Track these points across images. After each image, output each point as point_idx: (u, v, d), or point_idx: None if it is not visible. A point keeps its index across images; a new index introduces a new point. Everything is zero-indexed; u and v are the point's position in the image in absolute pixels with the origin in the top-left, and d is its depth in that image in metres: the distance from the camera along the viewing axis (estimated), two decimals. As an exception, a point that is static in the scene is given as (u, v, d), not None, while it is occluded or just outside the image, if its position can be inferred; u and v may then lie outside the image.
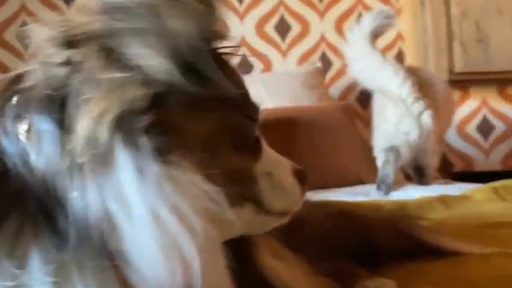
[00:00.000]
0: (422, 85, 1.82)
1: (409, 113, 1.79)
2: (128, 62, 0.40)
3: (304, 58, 2.57)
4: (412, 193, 1.56)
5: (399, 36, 2.63)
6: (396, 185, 1.81)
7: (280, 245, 0.63)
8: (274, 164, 0.50)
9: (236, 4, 2.53)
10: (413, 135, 1.79)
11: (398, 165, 1.84)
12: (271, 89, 2.24)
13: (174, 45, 0.41)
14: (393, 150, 1.81)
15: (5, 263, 0.37)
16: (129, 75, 0.39)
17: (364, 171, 2.00)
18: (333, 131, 2.03)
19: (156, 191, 0.38)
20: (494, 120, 2.66)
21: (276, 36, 2.56)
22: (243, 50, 2.51)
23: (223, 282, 0.46)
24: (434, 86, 1.90)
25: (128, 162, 0.37)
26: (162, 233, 0.37)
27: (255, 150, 0.49)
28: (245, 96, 0.49)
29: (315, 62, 2.56)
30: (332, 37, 2.58)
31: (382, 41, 2.37)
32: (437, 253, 0.80)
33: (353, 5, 2.61)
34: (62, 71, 0.40)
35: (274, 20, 2.56)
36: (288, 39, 2.57)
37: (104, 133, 0.37)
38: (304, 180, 0.52)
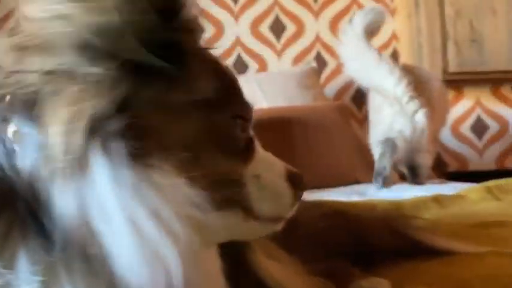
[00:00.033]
0: (417, 83, 1.82)
1: (404, 111, 1.79)
2: (93, 62, 0.39)
3: (299, 58, 2.57)
4: (406, 193, 1.56)
5: (394, 36, 2.64)
6: (390, 184, 1.82)
7: (274, 245, 0.63)
8: (264, 166, 0.47)
9: (231, 4, 2.53)
10: (407, 134, 1.80)
11: (395, 157, 1.84)
12: (266, 89, 2.24)
13: (139, 37, 0.39)
14: (389, 142, 1.81)
15: None
16: (95, 80, 0.38)
17: (359, 171, 2.00)
18: (328, 131, 2.03)
19: (133, 197, 0.37)
20: (488, 120, 2.67)
21: (270, 36, 2.56)
22: (238, 50, 2.51)
23: (217, 283, 0.46)
24: (429, 84, 1.91)
25: (103, 168, 0.37)
26: (142, 240, 0.37)
27: (245, 152, 0.47)
28: (234, 94, 0.47)
29: (310, 62, 2.56)
30: (327, 37, 2.58)
31: (377, 41, 2.38)
32: (432, 252, 0.81)
33: (348, 5, 2.61)
34: (32, 78, 0.39)
35: (269, 20, 2.56)
36: (283, 39, 2.57)
37: (77, 139, 0.37)
38: (299, 184, 0.49)
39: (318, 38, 2.59)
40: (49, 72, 0.39)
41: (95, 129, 0.37)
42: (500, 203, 1.27)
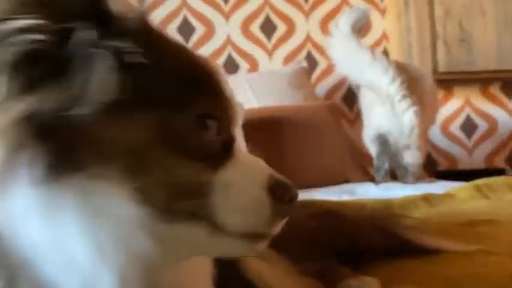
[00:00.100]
0: (410, 81, 1.84)
1: (393, 112, 1.81)
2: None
3: (289, 58, 2.57)
4: (396, 192, 1.57)
5: (384, 36, 2.65)
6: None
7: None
8: (241, 173, 0.41)
9: (221, 4, 2.53)
10: (395, 134, 1.82)
11: (392, 150, 1.85)
12: (257, 89, 2.24)
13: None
14: (382, 138, 1.83)
15: None
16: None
17: (349, 170, 2.01)
18: (319, 131, 2.04)
19: (60, 216, 0.34)
20: (478, 119, 2.69)
21: (261, 36, 2.56)
22: (228, 50, 2.51)
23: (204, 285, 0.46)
24: (422, 81, 1.93)
25: (26, 183, 0.34)
26: (70, 264, 0.34)
27: (215, 157, 0.40)
28: (202, 91, 0.41)
29: (301, 61, 2.56)
30: (317, 37, 2.59)
31: (367, 40, 2.39)
32: (421, 251, 0.81)
33: (338, 5, 2.62)
34: None
35: (259, 20, 2.56)
36: (274, 39, 2.57)
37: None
38: (283, 195, 0.41)
39: (308, 38, 2.59)
40: None
41: (16, 146, 0.35)
42: (489, 201, 1.28)
